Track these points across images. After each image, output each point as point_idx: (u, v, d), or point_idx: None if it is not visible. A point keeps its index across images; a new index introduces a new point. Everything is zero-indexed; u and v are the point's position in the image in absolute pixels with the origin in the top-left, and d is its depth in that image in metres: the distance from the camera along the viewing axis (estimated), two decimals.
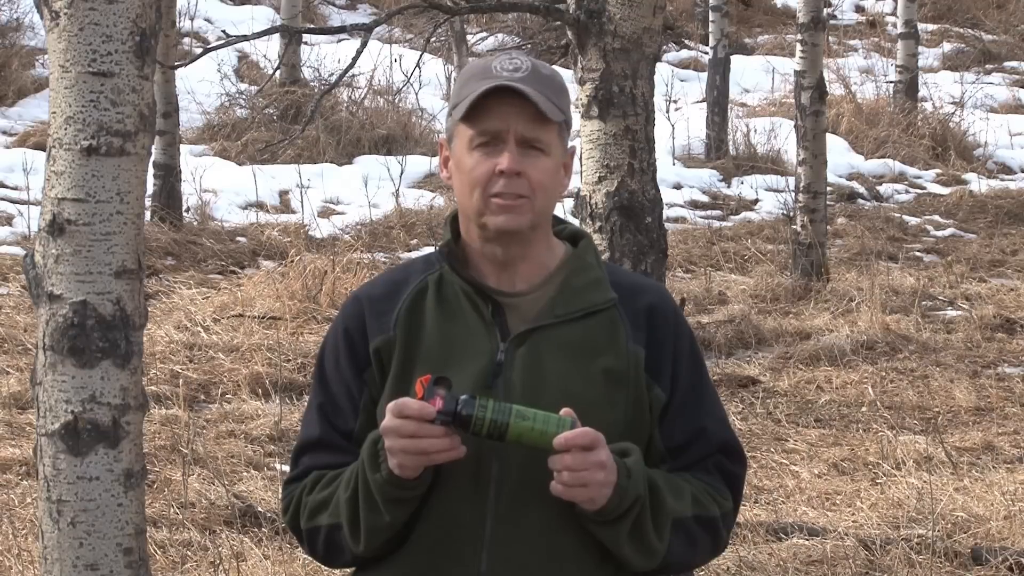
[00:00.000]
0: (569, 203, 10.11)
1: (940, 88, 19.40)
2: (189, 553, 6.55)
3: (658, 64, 6.52)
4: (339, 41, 18.48)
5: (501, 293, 2.91)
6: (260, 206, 14.07)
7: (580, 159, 6.32)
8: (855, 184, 16.40)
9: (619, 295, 2.93)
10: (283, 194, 14.53)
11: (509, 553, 2.82)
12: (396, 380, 2.88)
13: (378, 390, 2.90)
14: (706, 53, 18.51)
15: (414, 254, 12.85)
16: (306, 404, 3.03)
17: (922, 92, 18.57)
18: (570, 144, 2.97)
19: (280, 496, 3.06)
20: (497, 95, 2.84)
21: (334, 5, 21.10)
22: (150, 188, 12.41)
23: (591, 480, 2.74)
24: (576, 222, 6.37)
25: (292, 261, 11.25)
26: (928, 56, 21.06)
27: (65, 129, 3.30)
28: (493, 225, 2.86)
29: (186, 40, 18.19)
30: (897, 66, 18.38)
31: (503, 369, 2.85)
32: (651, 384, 2.89)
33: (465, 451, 2.76)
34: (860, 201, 16.03)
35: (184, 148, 14.22)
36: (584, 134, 6.19)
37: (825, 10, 14.11)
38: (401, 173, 14.51)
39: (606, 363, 2.87)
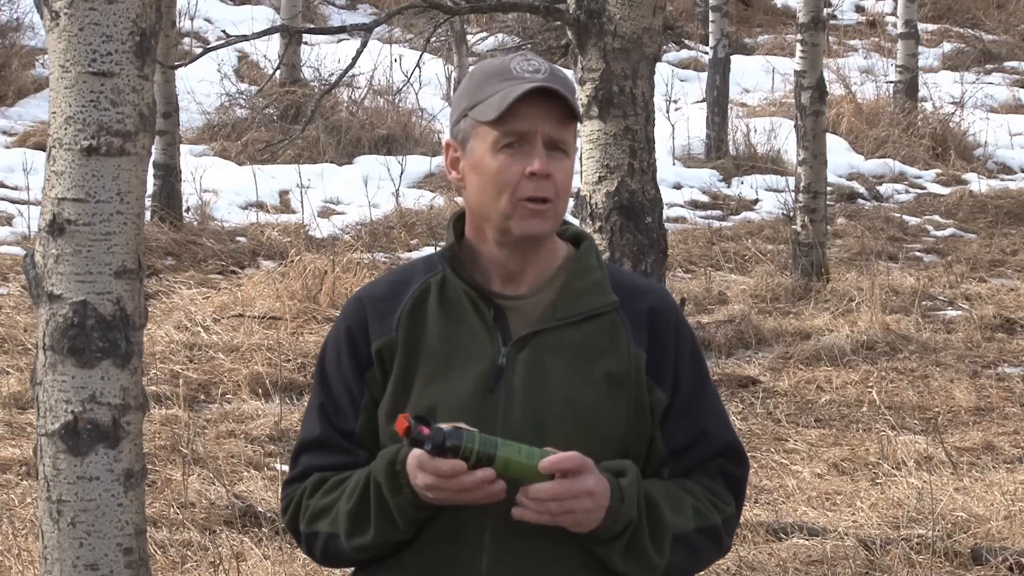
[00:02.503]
0: (569, 203, 10.12)
1: (940, 88, 19.40)
2: (189, 553, 6.55)
3: (658, 64, 6.52)
4: (339, 41, 18.48)
5: (503, 296, 2.90)
6: (260, 206, 14.07)
7: (580, 159, 6.32)
8: (855, 184, 16.40)
9: (620, 298, 2.92)
10: (283, 194, 14.53)
11: (509, 555, 2.81)
12: (398, 381, 2.88)
13: (379, 391, 2.90)
14: (706, 53, 18.52)
15: (414, 254, 12.85)
16: (307, 404, 3.03)
17: (922, 92, 18.57)
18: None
19: (280, 496, 3.05)
20: (525, 96, 2.82)
21: (334, 5, 21.10)
22: (150, 188, 12.41)
23: (578, 508, 2.73)
24: (576, 222, 6.38)
25: (292, 261, 11.25)
26: (928, 56, 21.06)
27: (65, 129, 3.30)
28: (519, 230, 2.84)
29: (186, 40, 18.19)
30: (897, 66, 18.38)
31: (504, 373, 2.85)
32: (652, 387, 2.88)
33: (504, 488, 2.75)
34: (860, 201, 16.03)
35: (184, 148, 14.22)
36: (584, 134, 6.20)
37: (825, 10, 14.11)
38: (401, 173, 14.51)
39: (607, 366, 2.86)
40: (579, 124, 2.93)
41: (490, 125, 2.84)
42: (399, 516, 2.80)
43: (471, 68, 3.71)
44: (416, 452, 2.74)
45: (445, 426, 2.72)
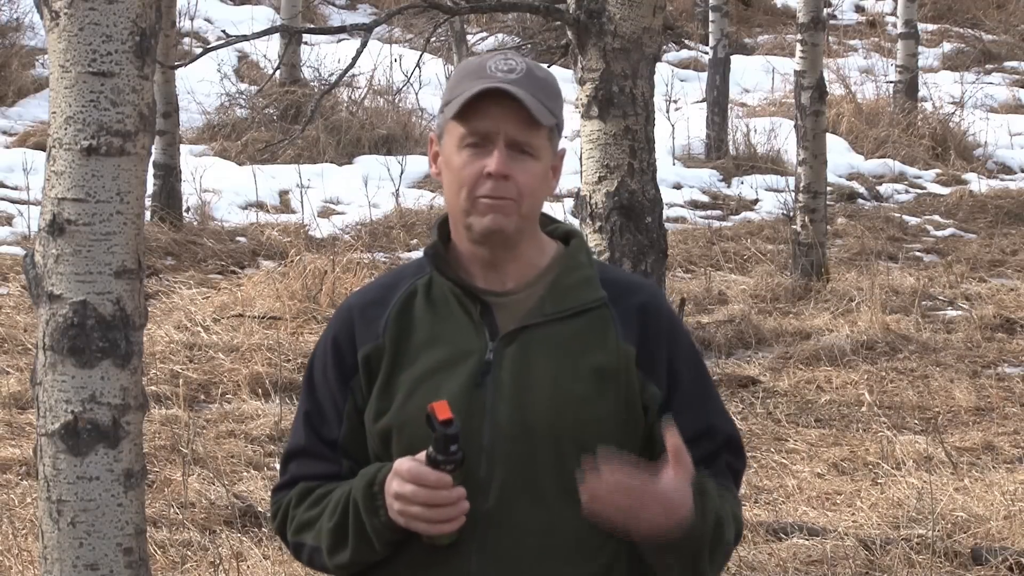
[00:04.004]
0: (569, 203, 10.12)
1: (940, 88, 19.40)
2: (189, 553, 6.55)
3: (658, 64, 6.52)
4: (339, 41, 18.47)
5: (490, 293, 2.90)
6: (260, 206, 14.07)
7: (580, 159, 6.32)
8: (855, 184, 16.40)
9: (610, 293, 2.92)
10: (283, 194, 14.53)
11: (499, 553, 2.82)
12: (383, 386, 2.89)
13: (364, 398, 2.91)
14: (706, 53, 18.51)
15: (414, 254, 12.84)
16: (295, 410, 3.05)
17: (922, 92, 18.57)
18: (560, 146, 2.96)
19: (269, 500, 3.06)
20: (490, 96, 2.83)
21: (334, 5, 21.10)
22: (150, 188, 12.41)
23: (645, 514, 2.73)
24: (576, 222, 6.37)
25: (292, 261, 11.25)
26: (928, 56, 21.05)
27: (65, 129, 3.30)
28: (479, 226, 2.85)
29: (186, 40, 18.19)
30: (897, 66, 18.38)
31: (492, 368, 2.85)
32: (645, 382, 2.88)
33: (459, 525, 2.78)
34: (860, 201, 16.03)
35: (184, 148, 14.22)
36: (584, 134, 6.19)
37: (825, 10, 14.11)
38: (401, 173, 14.51)
39: (596, 361, 2.87)
40: (553, 126, 2.89)
41: (456, 121, 2.86)
42: (375, 537, 2.82)
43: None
44: (400, 463, 2.76)
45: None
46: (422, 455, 2.74)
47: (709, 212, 15.34)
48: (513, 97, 2.82)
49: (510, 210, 2.84)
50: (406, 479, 2.74)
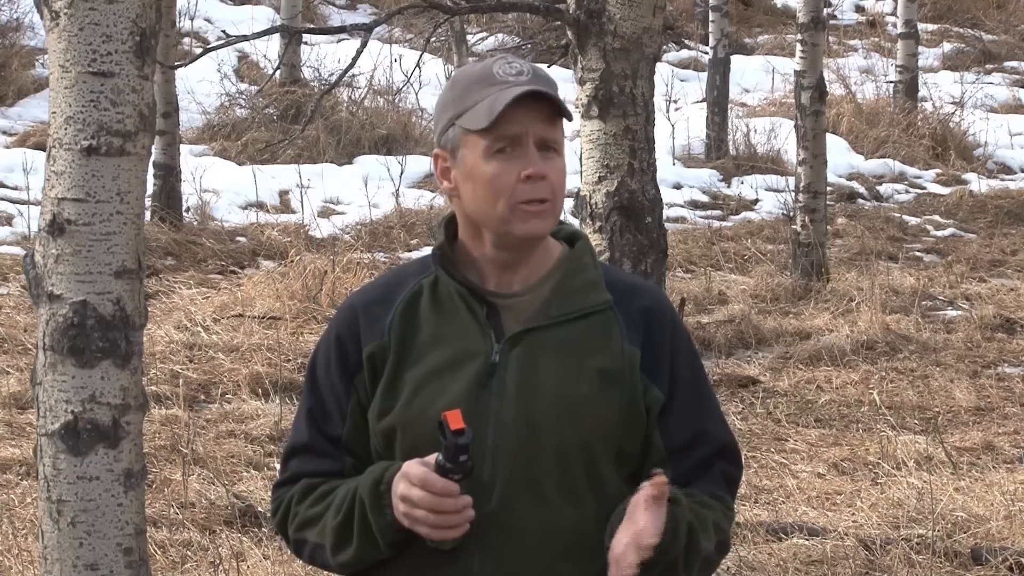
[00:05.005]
0: (569, 203, 10.12)
1: (940, 88, 19.39)
2: (189, 553, 6.55)
3: (658, 64, 6.52)
4: (339, 41, 18.47)
5: (496, 294, 2.90)
6: (260, 206, 14.07)
7: (580, 159, 6.32)
8: (855, 184, 16.40)
9: (615, 296, 2.92)
10: (283, 194, 14.53)
11: (501, 553, 2.82)
12: (387, 385, 2.89)
13: (368, 395, 2.90)
14: (706, 53, 18.51)
15: (414, 254, 12.85)
16: (297, 407, 3.04)
17: (922, 92, 18.57)
18: None
19: (270, 497, 3.06)
20: (516, 99, 2.82)
21: (334, 5, 21.10)
22: (150, 188, 12.41)
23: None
24: (576, 222, 6.37)
25: (292, 261, 11.25)
26: (928, 56, 21.06)
27: (65, 129, 3.30)
28: (522, 232, 2.84)
29: (186, 40, 18.19)
30: (897, 66, 18.38)
31: (497, 370, 2.85)
32: (648, 385, 2.88)
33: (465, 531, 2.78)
34: (860, 201, 16.03)
35: (184, 148, 14.22)
36: (584, 134, 6.20)
37: (825, 10, 14.11)
38: (401, 173, 14.51)
39: (600, 363, 2.87)
40: (566, 120, 2.91)
41: (480, 133, 2.84)
42: (380, 536, 2.82)
43: (452, 75, 3.70)
44: (409, 466, 2.76)
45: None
46: (431, 460, 2.73)
47: (709, 212, 15.34)
48: (543, 96, 2.82)
49: (548, 214, 2.86)
50: (414, 483, 2.74)
